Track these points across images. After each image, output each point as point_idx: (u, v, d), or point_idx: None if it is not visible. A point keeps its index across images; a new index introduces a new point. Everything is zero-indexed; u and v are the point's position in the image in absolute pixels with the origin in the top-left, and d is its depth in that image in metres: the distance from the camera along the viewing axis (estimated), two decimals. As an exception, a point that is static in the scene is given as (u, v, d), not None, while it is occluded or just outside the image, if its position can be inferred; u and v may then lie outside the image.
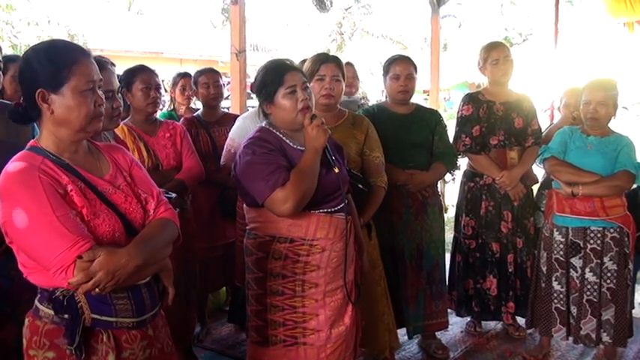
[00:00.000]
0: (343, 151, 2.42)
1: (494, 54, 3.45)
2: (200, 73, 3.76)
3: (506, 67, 3.46)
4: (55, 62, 1.50)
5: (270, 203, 2.07)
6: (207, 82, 3.67)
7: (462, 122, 3.52)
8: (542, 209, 3.49)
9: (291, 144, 2.19)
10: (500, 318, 3.58)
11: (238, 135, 3.14)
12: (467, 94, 3.68)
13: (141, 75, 2.89)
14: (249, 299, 2.28)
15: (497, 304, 3.54)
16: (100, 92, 1.56)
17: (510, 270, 3.50)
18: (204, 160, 3.50)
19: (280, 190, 2.04)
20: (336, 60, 2.82)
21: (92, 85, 1.53)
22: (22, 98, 1.56)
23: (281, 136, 2.20)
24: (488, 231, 3.51)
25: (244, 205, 2.31)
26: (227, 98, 5.10)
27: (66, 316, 1.47)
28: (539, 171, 3.66)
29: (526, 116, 3.51)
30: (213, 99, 3.68)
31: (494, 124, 3.47)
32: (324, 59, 2.78)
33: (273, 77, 2.17)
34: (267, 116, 2.25)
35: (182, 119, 3.73)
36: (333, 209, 2.20)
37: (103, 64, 1.99)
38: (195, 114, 3.79)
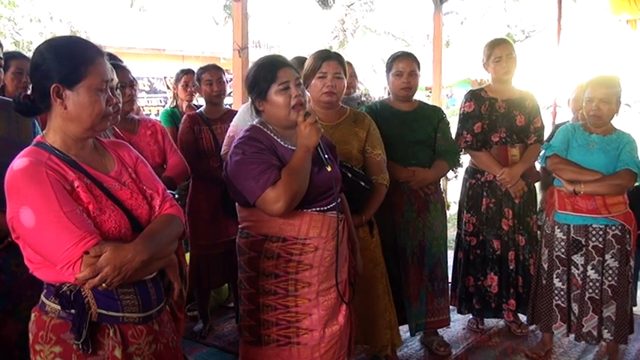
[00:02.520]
0: (336, 149, 2.39)
1: (497, 51, 3.45)
2: (203, 69, 3.74)
3: (509, 64, 3.45)
4: (74, 59, 1.50)
5: (262, 203, 2.05)
6: (211, 78, 3.65)
7: (464, 119, 3.52)
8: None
9: (282, 143, 2.16)
10: (502, 315, 3.58)
11: (242, 120, 3.13)
12: (469, 91, 3.67)
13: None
14: (241, 299, 2.26)
15: (498, 301, 3.54)
16: (110, 92, 1.57)
17: (511, 267, 3.50)
18: (207, 157, 3.51)
19: (271, 189, 2.01)
20: (337, 57, 2.81)
21: (105, 85, 1.54)
22: (29, 91, 1.56)
23: (272, 135, 2.17)
24: (488, 228, 3.51)
25: (237, 205, 2.29)
26: (229, 95, 5.11)
27: (72, 311, 1.48)
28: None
29: (528, 114, 3.51)
30: (216, 96, 3.67)
31: (495, 121, 3.47)
32: (325, 56, 2.77)
33: (266, 74, 2.14)
34: (259, 113, 2.23)
35: (184, 116, 3.72)
36: (325, 208, 2.18)
37: None
38: (198, 111, 3.79)
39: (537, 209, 3.65)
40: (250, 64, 4.44)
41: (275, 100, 2.13)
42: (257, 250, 2.17)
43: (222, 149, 3.27)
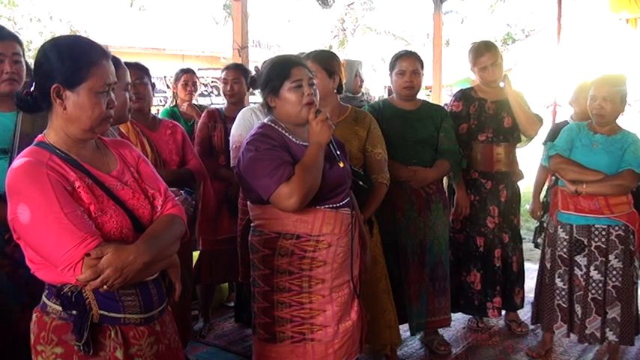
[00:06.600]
0: (345, 147, 2.42)
1: (482, 60, 3.46)
2: (225, 68, 3.84)
3: (495, 72, 3.48)
4: (76, 60, 1.50)
5: (276, 198, 2.07)
6: (226, 78, 3.73)
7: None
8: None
9: (294, 140, 2.19)
10: (486, 314, 3.58)
11: (242, 128, 3.12)
12: (459, 90, 3.71)
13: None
14: (255, 296, 2.28)
15: (480, 299, 3.55)
16: (112, 95, 1.56)
17: (497, 265, 3.52)
18: (216, 154, 3.56)
19: (285, 184, 2.03)
20: (315, 59, 2.79)
21: (107, 88, 1.54)
22: (32, 87, 1.55)
23: (284, 132, 2.19)
24: (472, 225, 3.54)
25: (248, 203, 2.31)
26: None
27: (74, 312, 1.47)
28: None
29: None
30: (229, 95, 3.73)
31: (484, 122, 3.51)
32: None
33: (280, 70, 2.17)
34: (270, 110, 2.25)
35: (204, 111, 3.78)
36: (338, 204, 2.20)
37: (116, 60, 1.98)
38: (219, 107, 3.86)
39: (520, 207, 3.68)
40: (250, 64, 4.46)
41: (287, 96, 2.16)
42: (271, 247, 2.19)
43: (232, 162, 3.25)
